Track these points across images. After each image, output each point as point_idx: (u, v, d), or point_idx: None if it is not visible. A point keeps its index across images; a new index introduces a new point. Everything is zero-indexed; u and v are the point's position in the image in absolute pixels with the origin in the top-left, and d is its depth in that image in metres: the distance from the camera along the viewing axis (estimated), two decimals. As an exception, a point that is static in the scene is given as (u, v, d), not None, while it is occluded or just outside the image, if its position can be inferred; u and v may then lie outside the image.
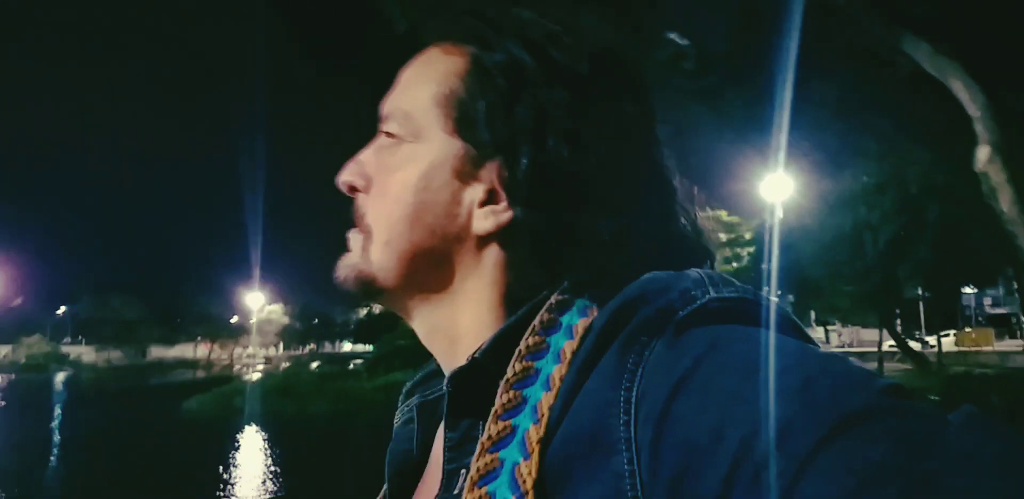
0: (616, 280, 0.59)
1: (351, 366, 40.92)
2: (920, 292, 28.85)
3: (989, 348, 32.63)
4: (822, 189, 19.90)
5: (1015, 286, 31.34)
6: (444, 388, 0.61)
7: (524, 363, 0.56)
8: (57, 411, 26.36)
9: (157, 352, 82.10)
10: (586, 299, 0.60)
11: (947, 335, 36.19)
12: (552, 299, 0.60)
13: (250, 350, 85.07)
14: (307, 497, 10.08)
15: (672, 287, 0.54)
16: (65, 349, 78.76)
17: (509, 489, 0.50)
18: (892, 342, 31.36)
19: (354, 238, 0.71)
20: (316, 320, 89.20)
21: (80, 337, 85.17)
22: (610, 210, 0.63)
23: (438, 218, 0.66)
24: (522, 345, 0.57)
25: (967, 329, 40.45)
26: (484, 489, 0.51)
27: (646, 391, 0.48)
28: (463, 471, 0.57)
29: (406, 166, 0.67)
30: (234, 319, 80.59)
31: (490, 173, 0.65)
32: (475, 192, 0.65)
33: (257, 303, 79.08)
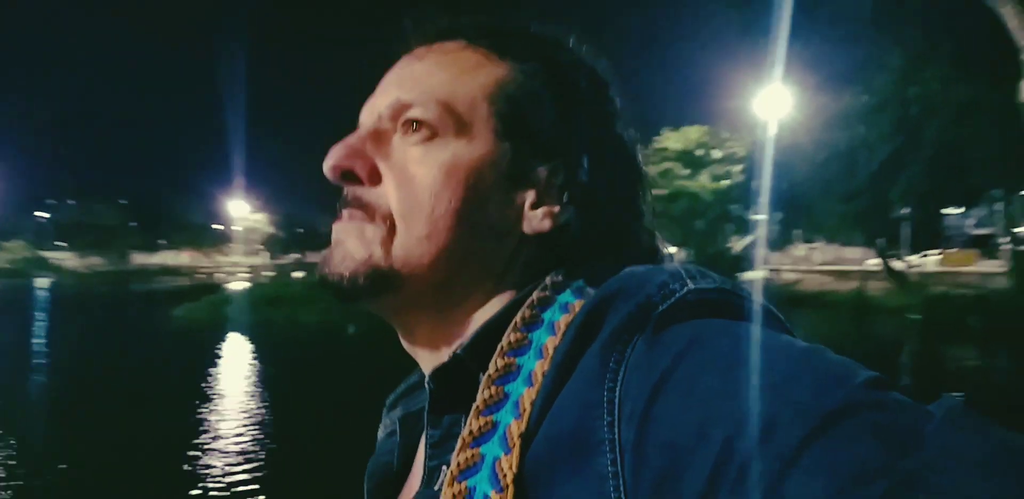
0: (596, 276, 0.60)
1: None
2: (906, 212, 29.06)
3: (971, 269, 33.12)
4: (820, 106, 19.65)
5: (998, 207, 31.60)
6: (426, 385, 0.61)
7: (506, 359, 0.56)
8: (41, 316, 26.37)
9: (139, 259, 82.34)
10: (567, 295, 0.61)
11: (929, 255, 36.77)
12: (534, 296, 0.61)
13: (233, 258, 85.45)
14: (302, 406, 10.22)
15: (650, 281, 0.54)
16: (46, 254, 78.69)
17: (489, 483, 0.50)
18: (875, 261, 31.81)
19: (355, 230, 0.66)
20: (300, 229, 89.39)
21: (62, 242, 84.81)
22: (629, 212, 0.71)
23: (488, 217, 0.65)
24: (504, 341, 0.57)
25: (951, 250, 41.00)
26: (464, 484, 0.51)
27: (628, 391, 0.48)
28: (444, 467, 0.57)
29: (449, 162, 0.65)
30: (217, 227, 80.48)
31: (540, 176, 0.66)
32: (527, 193, 0.66)
33: (241, 211, 78.96)
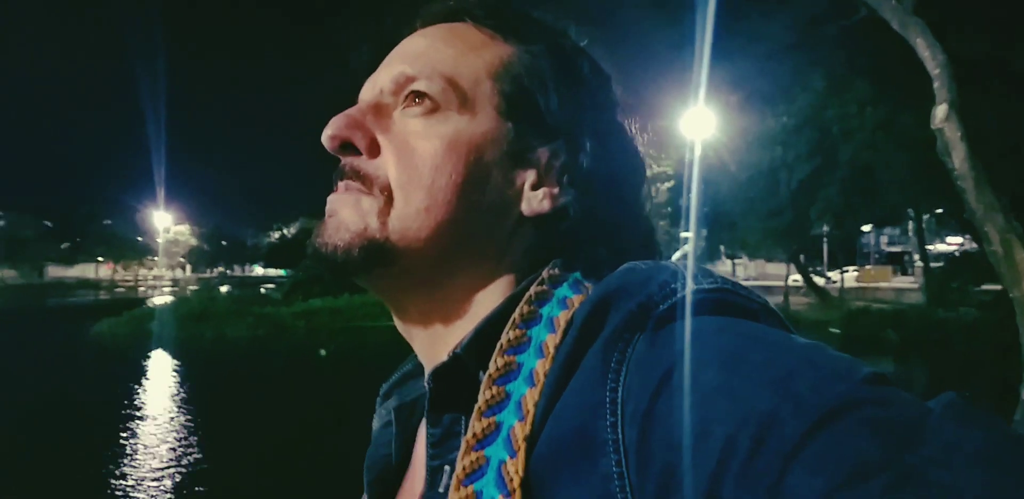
0: (594, 268, 0.61)
1: (262, 290, 40.47)
2: (825, 230, 30.13)
3: (886, 284, 34.53)
4: (743, 127, 20.28)
5: (912, 226, 33.01)
6: (425, 384, 0.61)
7: (506, 357, 0.56)
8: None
9: (55, 272, 79.08)
10: (565, 290, 0.61)
11: (847, 271, 38.10)
12: (531, 290, 0.60)
13: (156, 271, 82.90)
14: (231, 425, 10.04)
15: (652, 279, 0.54)
16: (-46, 266, 75.01)
17: (496, 487, 0.49)
18: (796, 276, 32.83)
19: (351, 201, 0.65)
20: (224, 242, 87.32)
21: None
22: (628, 200, 0.70)
23: (487, 193, 0.65)
24: (503, 339, 0.57)
25: (867, 266, 42.59)
26: (471, 488, 0.50)
27: (630, 391, 0.48)
28: (446, 468, 0.58)
29: (451, 135, 0.65)
30: (139, 239, 77.96)
31: (542, 156, 0.67)
32: (527, 173, 0.66)
33: (164, 223, 76.71)
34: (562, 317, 0.57)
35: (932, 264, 27.09)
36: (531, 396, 0.53)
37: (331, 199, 0.67)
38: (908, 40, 3.99)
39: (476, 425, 0.53)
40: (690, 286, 0.53)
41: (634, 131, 0.74)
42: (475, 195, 0.64)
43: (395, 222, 0.64)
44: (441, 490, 0.57)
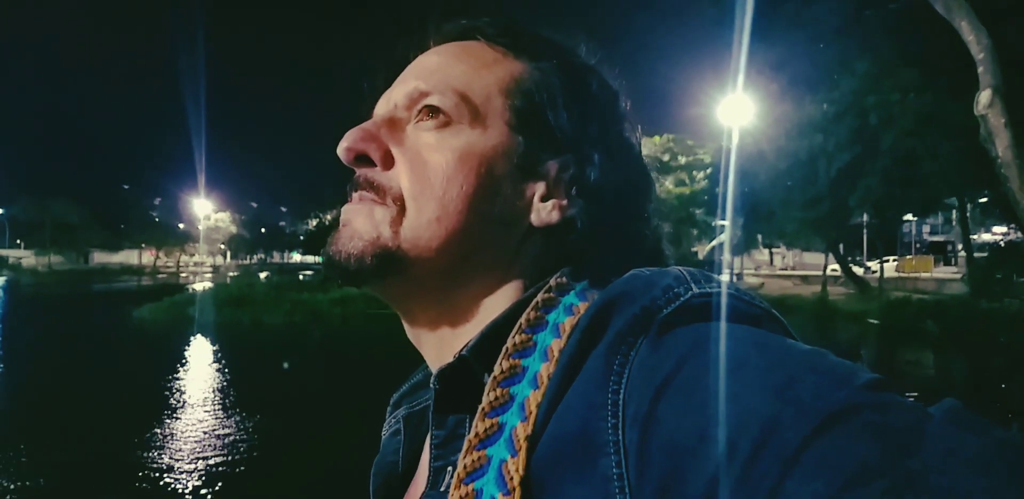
0: (601, 277, 0.62)
1: (301, 277, 40.93)
2: (865, 219, 29.68)
3: (927, 274, 33.92)
4: (781, 114, 20.02)
5: (955, 215, 32.35)
6: (432, 385, 0.61)
7: (511, 361, 0.56)
8: None
9: (100, 257, 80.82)
10: (571, 297, 0.61)
11: (887, 261, 37.51)
12: (538, 298, 0.61)
13: (196, 258, 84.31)
14: (269, 410, 10.19)
15: (655, 284, 0.54)
16: (2, 252, 76.97)
17: (496, 486, 0.50)
18: (835, 266, 32.40)
19: (365, 211, 0.67)
20: (264, 229, 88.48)
21: (18, 241, 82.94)
22: (635, 212, 0.72)
23: (497, 205, 0.67)
24: (509, 343, 0.58)
25: (908, 256, 41.88)
26: (471, 486, 0.51)
27: (632, 393, 0.49)
28: (450, 468, 0.59)
29: (463, 148, 0.66)
30: (180, 226, 79.27)
31: (551, 169, 0.68)
32: (536, 185, 0.68)
33: (204, 210, 77.87)
34: (567, 323, 0.58)
35: (976, 254, 26.50)
36: (534, 398, 0.53)
37: (345, 209, 0.69)
38: (953, 24, 3.89)
39: (479, 425, 0.53)
40: (694, 291, 0.53)
41: (640, 144, 0.76)
42: (485, 206, 0.66)
43: (407, 232, 0.65)
44: (443, 489, 0.58)
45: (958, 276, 26.67)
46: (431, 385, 0.61)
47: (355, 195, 0.69)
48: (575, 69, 0.72)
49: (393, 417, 0.79)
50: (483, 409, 0.54)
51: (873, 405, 0.41)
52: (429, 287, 0.67)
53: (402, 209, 0.66)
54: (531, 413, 0.52)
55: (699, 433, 0.43)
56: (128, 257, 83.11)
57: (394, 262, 0.65)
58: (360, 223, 0.67)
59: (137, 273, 69.34)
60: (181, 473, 7.28)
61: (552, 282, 0.63)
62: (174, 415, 9.81)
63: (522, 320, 0.59)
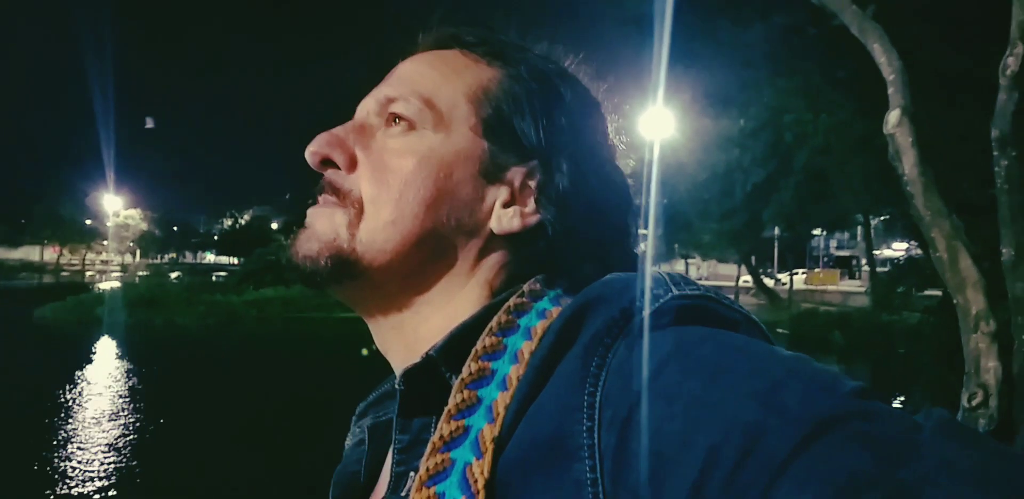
0: (576, 285, 0.61)
1: (214, 278, 39.86)
2: (776, 232, 30.67)
3: (834, 287, 35.28)
4: (701, 128, 20.52)
5: (860, 231, 33.73)
6: (396, 386, 0.60)
7: (480, 363, 0.55)
8: None
9: (-2, 253, 76.87)
10: (545, 302, 0.61)
11: (796, 273, 38.82)
12: (510, 301, 0.61)
13: (104, 256, 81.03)
14: (181, 414, 9.89)
15: (633, 286, 0.53)
16: None
17: (459, 489, 0.49)
18: (747, 278, 33.39)
19: (326, 214, 0.68)
20: (176, 228, 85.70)
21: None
22: (611, 220, 0.72)
23: (456, 209, 0.67)
24: (479, 345, 0.57)
25: (816, 269, 43.48)
26: (433, 489, 0.49)
27: (609, 396, 0.47)
28: (412, 474, 0.57)
29: (424, 153, 0.67)
30: (88, 222, 76.02)
31: (515, 176, 0.68)
32: (499, 192, 0.68)
33: (113, 206, 74.94)
34: (540, 326, 0.57)
35: (878, 268, 27.74)
36: (502, 400, 0.52)
37: (309, 212, 0.70)
38: (866, 46, 4.07)
39: (444, 427, 0.52)
40: (674, 293, 0.53)
41: (620, 153, 0.76)
42: (444, 210, 0.66)
43: (363, 234, 0.66)
44: (404, 494, 0.57)
45: (862, 289, 27.84)
46: (395, 386, 0.61)
47: (320, 198, 0.70)
48: (547, 76, 0.72)
49: (358, 426, 0.78)
50: (449, 411, 0.53)
51: (861, 413, 0.40)
52: (388, 291, 0.67)
53: (360, 212, 0.67)
54: (499, 415, 0.51)
55: (681, 439, 0.42)
56: (29, 253, 79.19)
57: (349, 265, 0.65)
58: (320, 225, 0.67)
59: (39, 270, 66.21)
60: (78, 482, 7.01)
61: (525, 288, 0.63)
62: (77, 419, 9.42)
63: (493, 323, 0.59)
